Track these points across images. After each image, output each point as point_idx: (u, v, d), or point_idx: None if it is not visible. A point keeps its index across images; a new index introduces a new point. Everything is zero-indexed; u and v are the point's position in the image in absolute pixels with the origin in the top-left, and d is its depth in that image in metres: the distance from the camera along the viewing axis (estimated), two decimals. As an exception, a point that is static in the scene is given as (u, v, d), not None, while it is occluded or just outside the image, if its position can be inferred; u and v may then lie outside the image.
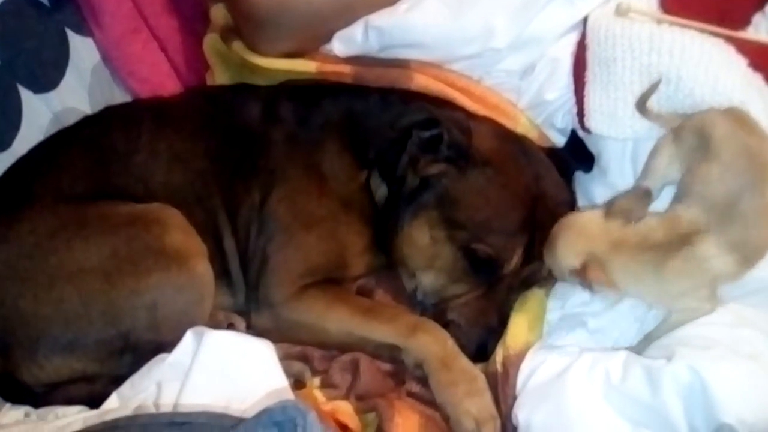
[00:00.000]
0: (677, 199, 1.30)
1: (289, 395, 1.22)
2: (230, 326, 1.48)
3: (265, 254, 1.46)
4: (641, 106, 1.33)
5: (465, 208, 1.36)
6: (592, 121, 1.39)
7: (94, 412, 1.23)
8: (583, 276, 1.23)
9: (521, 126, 1.54)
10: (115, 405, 1.26)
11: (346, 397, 1.33)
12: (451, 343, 1.33)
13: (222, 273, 1.47)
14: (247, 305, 1.49)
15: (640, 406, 1.15)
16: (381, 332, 1.37)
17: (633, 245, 1.24)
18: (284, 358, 1.37)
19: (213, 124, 1.53)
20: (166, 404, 1.20)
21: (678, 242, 1.22)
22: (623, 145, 1.41)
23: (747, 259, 1.23)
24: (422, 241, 1.40)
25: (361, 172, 1.49)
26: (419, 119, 1.40)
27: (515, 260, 1.36)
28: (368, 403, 1.31)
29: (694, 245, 1.21)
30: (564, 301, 1.40)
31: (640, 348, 1.27)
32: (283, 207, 1.47)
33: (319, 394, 1.34)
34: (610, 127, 1.38)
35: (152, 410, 1.21)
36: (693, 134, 1.29)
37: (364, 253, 1.49)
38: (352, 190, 1.49)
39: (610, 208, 1.29)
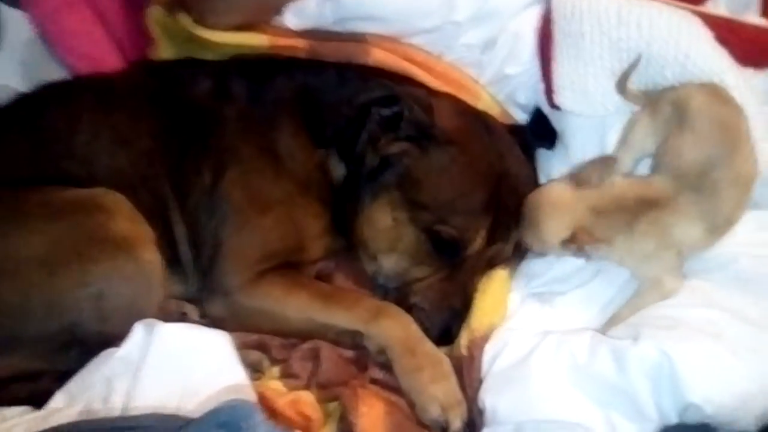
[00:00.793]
0: (653, 168, 1.31)
1: (248, 389, 1.16)
2: (183, 316, 1.41)
3: (218, 239, 1.39)
4: (622, 85, 1.32)
5: (428, 189, 1.31)
6: (562, 98, 1.36)
7: (39, 413, 1.16)
8: (575, 244, 1.23)
9: (482, 102, 1.50)
10: (61, 404, 1.19)
11: (307, 386, 1.28)
12: (414, 328, 1.29)
13: (172, 260, 1.40)
14: (199, 293, 1.43)
15: (607, 387, 1.13)
16: (342, 318, 1.32)
17: (610, 208, 1.25)
18: (241, 348, 1.32)
19: (159, 101, 1.44)
20: (117, 402, 1.14)
21: (646, 206, 1.24)
22: (589, 122, 1.38)
23: (715, 228, 1.25)
24: (383, 223, 1.35)
25: (317, 151, 1.43)
26: (378, 96, 1.34)
27: (479, 241, 1.33)
28: (331, 392, 1.26)
29: (661, 211, 1.23)
30: (528, 281, 1.37)
31: (605, 329, 1.26)
32: (237, 189, 1.40)
33: (279, 385, 1.28)
34: (581, 104, 1.36)
35: (101, 409, 1.14)
36: (669, 106, 1.29)
37: (322, 235, 1.43)
38: (309, 170, 1.42)
39: (577, 177, 1.29)
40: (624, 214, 1.24)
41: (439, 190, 1.31)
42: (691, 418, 1.09)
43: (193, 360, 1.17)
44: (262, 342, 1.36)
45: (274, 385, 1.28)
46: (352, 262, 1.45)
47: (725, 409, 1.07)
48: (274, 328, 1.36)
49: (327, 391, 1.27)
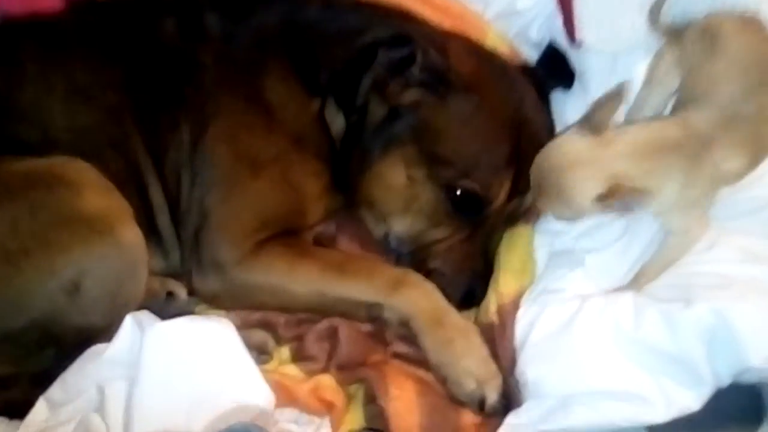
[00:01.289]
0: (680, 105, 1.20)
1: (263, 389, 1.03)
2: (169, 295, 1.24)
3: (205, 206, 1.21)
4: (654, 15, 1.21)
5: (449, 142, 1.17)
6: (587, 33, 1.23)
7: (23, 427, 0.99)
8: (614, 199, 1.08)
9: (489, 40, 1.35)
10: (44, 414, 1.02)
11: (325, 369, 1.16)
12: (439, 296, 1.17)
13: (149, 231, 1.20)
14: (183, 267, 1.26)
15: (657, 353, 1.06)
16: (359, 290, 1.18)
17: (648, 151, 1.11)
18: (242, 327, 1.18)
19: (118, 46, 1.22)
20: (116, 415, 0.98)
21: (697, 145, 1.12)
22: (612, 59, 1.26)
23: (757, 158, 1.17)
24: (397, 181, 1.20)
25: (312, 100, 1.25)
26: (386, 36, 1.16)
27: (502, 196, 1.21)
28: (353, 374, 1.14)
29: (709, 148, 1.12)
30: (551, 237, 1.27)
31: (635, 287, 1.18)
32: (223, 147, 1.21)
33: (295, 370, 1.15)
34: (607, 39, 1.23)
35: (98, 422, 0.97)
36: (697, 36, 1.19)
37: (322, 196, 1.27)
38: (304, 122, 1.25)
39: (590, 125, 1.16)
40: (670, 157, 1.12)
41: (461, 143, 1.17)
42: (747, 379, 1.05)
43: (197, 362, 1.03)
44: (267, 320, 1.22)
45: (290, 370, 1.15)
46: (355, 222, 1.31)
47: (787, 369, 1.02)
48: (278, 304, 1.21)
49: (348, 372, 1.15)
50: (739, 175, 1.18)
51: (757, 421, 1.07)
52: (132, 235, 1.11)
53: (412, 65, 1.17)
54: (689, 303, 1.06)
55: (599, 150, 1.13)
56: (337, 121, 1.25)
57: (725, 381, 1.06)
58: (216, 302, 1.23)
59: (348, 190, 1.27)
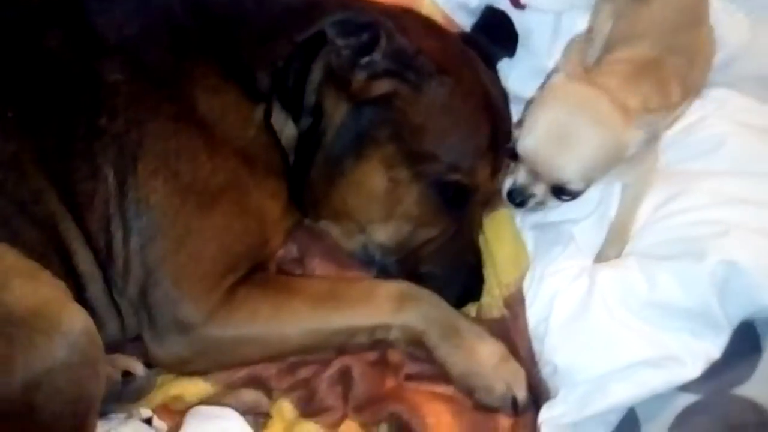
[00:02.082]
0: (607, 49, 1.17)
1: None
2: (126, 375, 1.00)
3: (151, 260, 0.98)
4: None
5: (432, 135, 1.04)
6: (532, -8, 1.15)
7: None
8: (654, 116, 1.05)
9: (424, 9, 1.22)
10: None
11: (344, 415, 1.01)
12: (443, 303, 1.06)
13: (77, 301, 0.94)
14: (126, 335, 1.03)
15: (675, 311, 1.05)
16: (359, 316, 1.03)
17: (633, 71, 1.10)
18: (226, 390, 1.00)
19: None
20: None
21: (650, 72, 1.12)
22: (554, 20, 1.21)
23: (687, 90, 1.18)
24: (378, 186, 1.05)
25: (255, 107, 1.05)
26: (338, 21, 0.99)
27: (486, 180, 1.11)
28: (377, 412, 1.01)
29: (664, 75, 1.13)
30: (523, 214, 1.21)
31: (614, 246, 1.16)
32: (160, 183, 0.98)
33: (314, 427, 0.98)
34: None
35: None
36: None
37: (283, 217, 1.08)
38: (249, 135, 1.05)
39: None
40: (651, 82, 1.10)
41: (445, 134, 1.04)
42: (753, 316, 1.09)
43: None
44: (255, 374, 1.03)
45: (308, 428, 0.98)
46: (319, 239, 1.14)
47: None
48: (266, 354, 1.03)
49: (369, 412, 1.02)
50: (674, 107, 1.18)
51: (757, 350, 1.13)
52: (80, 318, 0.86)
53: (373, 52, 1.02)
54: (697, 257, 1.06)
55: (603, 86, 1.07)
56: (287, 128, 1.07)
57: (736, 323, 1.09)
58: (184, 367, 1.02)
59: (307, 204, 1.11)
